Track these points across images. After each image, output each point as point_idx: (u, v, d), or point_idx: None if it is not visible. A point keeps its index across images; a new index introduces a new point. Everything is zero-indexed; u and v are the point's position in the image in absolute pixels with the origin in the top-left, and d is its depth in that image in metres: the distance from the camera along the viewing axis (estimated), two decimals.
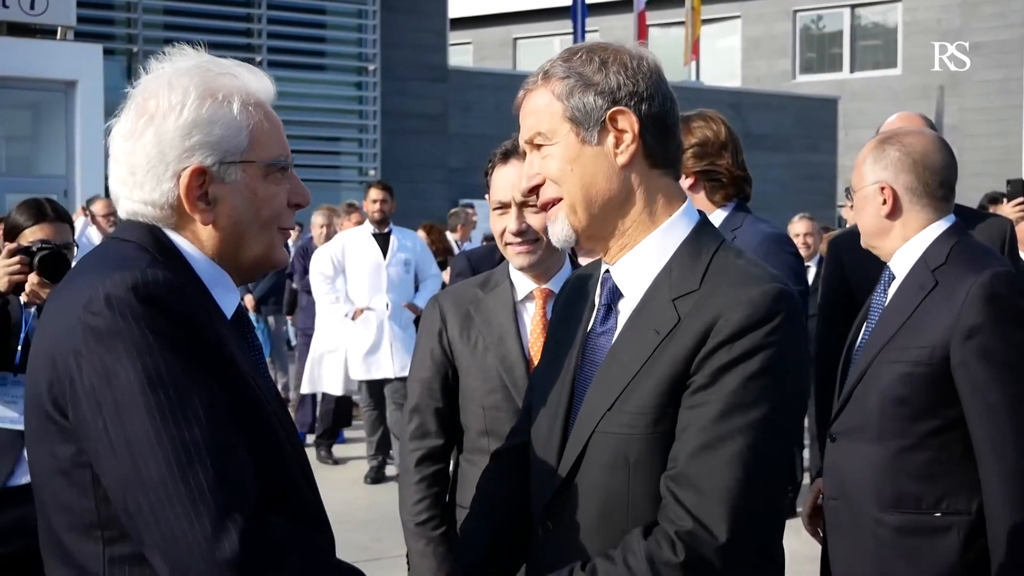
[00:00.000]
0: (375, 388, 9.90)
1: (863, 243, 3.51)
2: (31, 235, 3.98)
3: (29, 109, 22.16)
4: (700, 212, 2.25)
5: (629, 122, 2.13)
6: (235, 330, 2.00)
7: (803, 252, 9.14)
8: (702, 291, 2.08)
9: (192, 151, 1.92)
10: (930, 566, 3.16)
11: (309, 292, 10.86)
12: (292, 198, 2.05)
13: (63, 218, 4.14)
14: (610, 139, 2.14)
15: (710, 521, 1.98)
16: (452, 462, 3.40)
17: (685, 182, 3.91)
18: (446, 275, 10.02)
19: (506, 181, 3.13)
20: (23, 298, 3.85)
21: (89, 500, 1.80)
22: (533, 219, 3.08)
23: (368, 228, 10.06)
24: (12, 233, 4.03)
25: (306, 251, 11.41)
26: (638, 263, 2.18)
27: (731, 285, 2.06)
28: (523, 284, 3.23)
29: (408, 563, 3.46)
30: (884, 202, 3.35)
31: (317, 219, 12.21)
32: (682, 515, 2.00)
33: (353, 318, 9.85)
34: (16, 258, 3.82)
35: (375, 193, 10.00)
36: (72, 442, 1.79)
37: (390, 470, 9.74)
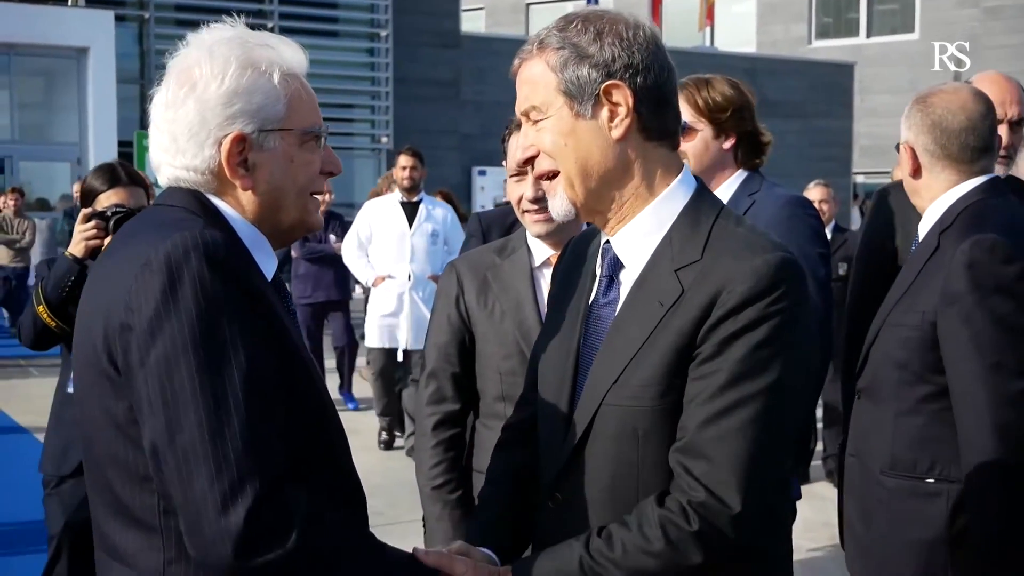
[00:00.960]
0: (384, 359, 9.77)
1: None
2: (106, 200, 4.01)
3: (42, 76, 22.19)
4: (697, 179, 2.23)
5: (624, 96, 2.10)
6: (274, 293, 2.04)
7: None
8: (704, 261, 2.07)
9: (233, 119, 1.99)
10: (919, 531, 3.17)
11: (309, 261, 10.87)
12: (325, 166, 2.12)
13: (137, 182, 4.15)
14: (604, 113, 2.11)
15: (722, 491, 1.98)
16: (469, 427, 3.40)
17: (727, 142, 3.88)
18: None
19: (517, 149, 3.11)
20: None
21: (143, 454, 1.85)
22: (549, 186, 3.07)
23: (397, 196, 9.81)
24: (88, 198, 4.06)
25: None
26: (638, 234, 2.17)
27: (733, 255, 2.05)
28: (540, 250, 3.23)
29: (424, 527, 3.47)
30: (909, 162, 3.35)
31: None
32: (694, 486, 2.00)
33: (374, 285, 9.74)
34: (92, 223, 3.84)
35: (405, 160, 9.72)
36: (125, 397, 1.85)
37: (399, 462, 9.37)
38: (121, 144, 19.85)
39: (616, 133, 2.11)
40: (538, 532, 2.33)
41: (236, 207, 2.04)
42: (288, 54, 2.07)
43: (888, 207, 4.10)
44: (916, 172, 3.35)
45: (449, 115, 23.64)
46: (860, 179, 33.05)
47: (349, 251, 9.94)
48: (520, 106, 2.20)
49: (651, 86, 2.12)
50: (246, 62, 2.01)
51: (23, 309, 15.76)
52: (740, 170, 3.93)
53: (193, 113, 1.99)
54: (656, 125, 2.15)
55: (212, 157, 2.00)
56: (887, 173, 35.30)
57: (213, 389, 1.77)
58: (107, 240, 3.86)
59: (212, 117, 1.99)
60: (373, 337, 9.75)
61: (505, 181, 3.41)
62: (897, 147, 3.44)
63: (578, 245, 2.43)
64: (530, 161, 2.19)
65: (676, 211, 2.15)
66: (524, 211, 3.16)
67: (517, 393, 3.03)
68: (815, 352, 2.13)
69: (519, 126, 3.12)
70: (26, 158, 20.98)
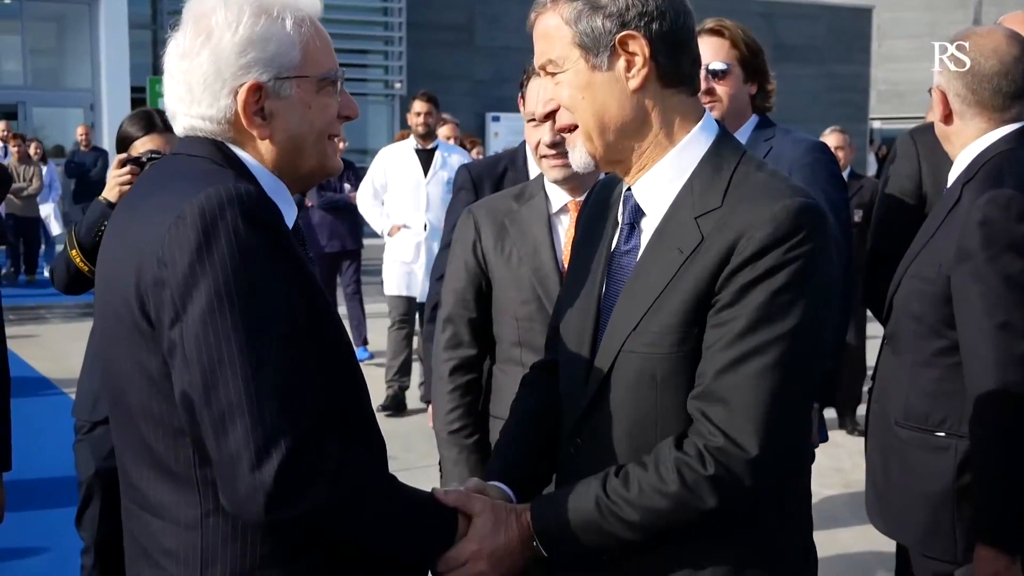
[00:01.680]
0: (404, 307, 9.55)
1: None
2: (141, 146, 4.01)
3: (53, 22, 22.13)
4: (719, 124, 2.21)
5: (639, 46, 2.07)
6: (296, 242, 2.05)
7: None
8: (724, 208, 2.04)
9: (248, 67, 1.97)
10: (927, 483, 3.16)
11: (324, 210, 10.74)
12: (342, 110, 2.11)
13: (172, 129, 4.15)
14: (621, 63, 2.08)
15: (739, 436, 1.98)
16: (485, 372, 3.42)
17: (753, 87, 3.90)
18: None
19: (540, 94, 3.10)
20: None
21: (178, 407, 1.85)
22: (570, 138, 3.07)
23: (411, 143, 9.49)
24: (123, 144, 4.06)
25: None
26: (659, 181, 2.15)
27: (753, 201, 2.02)
28: (557, 196, 3.22)
29: (440, 471, 3.49)
30: (940, 108, 3.26)
31: None
32: (712, 431, 2.00)
33: (390, 234, 9.52)
34: (126, 168, 3.85)
35: (419, 105, 9.35)
36: (158, 352, 1.84)
37: (413, 404, 9.36)
38: (134, 90, 19.84)
39: (633, 84, 2.09)
40: (560, 475, 2.35)
41: (255, 156, 2.03)
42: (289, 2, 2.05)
43: (916, 151, 4.01)
44: (947, 118, 3.26)
45: (463, 61, 23.54)
46: (876, 125, 32.89)
47: (364, 200, 9.74)
48: (538, 59, 2.17)
49: (667, 32, 2.09)
50: (259, 9, 1.99)
51: (26, 258, 15.52)
52: (753, 115, 3.95)
53: (208, 63, 1.97)
54: (674, 72, 2.12)
55: (228, 107, 1.98)
56: (904, 119, 35.09)
57: (249, 343, 1.77)
58: None
59: (227, 67, 1.96)
60: (391, 285, 9.54)
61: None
62: (929, 91, 3.36)
63: (601, 192, 2.42)
64: (552, 115, 2.18)
65: (697, 158, 2.13)
66: (542, 156, 3.15)
67: (534, 339, 3.06)
68: (835, 297, 2.11)
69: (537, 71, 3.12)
70: (39, 104, 20.98)
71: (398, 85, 22.97)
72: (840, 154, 9.13)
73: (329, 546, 1.89)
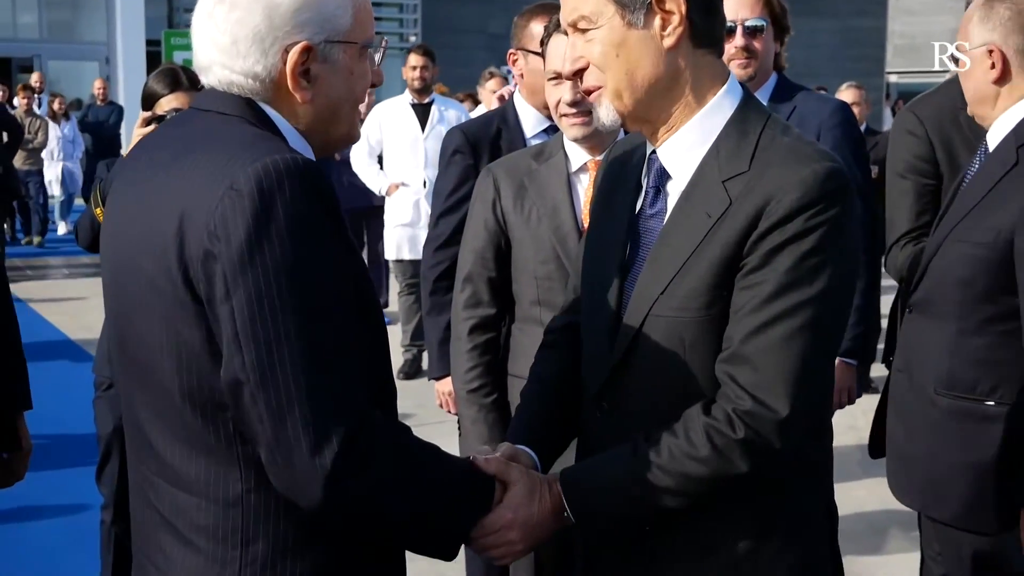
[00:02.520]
0: (411, 270, 9.19)
1: (969, 110, 3.28)
2: (167, 104, 4.00)
3: None
4: (743, 87, 2.20)
5: (676, 3, 2.04)
6: None
7: None
8: (752, 172, 2.04)
9: (302, 27, 1.89)
10: (970, 453, 3.09)
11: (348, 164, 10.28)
12: (373, 78, 2.06)
13: (198, 86, 4.15)
14: (656, 21, 2.05)
15: (768, 398, 1.98)
16: (504, 331, 3.43)
17: (778, 45, 3.91)
18: None
19: (560, 51, 3.08)
20: None
21: (220, 381, 1.78)
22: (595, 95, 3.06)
23: (407, 98, 9.21)
24: (149, 101, 4.06)
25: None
26: (685, 144, 2.14)
27: (781, 165, 2.02)
28: (577, 155, 3.21)
29: (459, 429, 3.51)
30: (992, 66, 3.11)
31: None
32: (741, 394, 2.00)
33: (388, 193, 9.20)
34: (151, 126, 3.85)
35: (415, 59, 9.15)
36: (202, 326, 1.77)
37: (424, 361, 9.05)
38: (149, 43, 19.78)
39: (668, 42, 2.06)
40: (583, 438, 2.36)
41: (290, 117, 1.95)
42: None
43: (923, 129, 3.79)
44: (1002, 77, 3.12)
45: (478, 13, 23.40)
46: (893, 79, 32.66)
47: (359, 158, 9.36)
48: (568, 16, 2.14)
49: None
50: None
51: (29, 213, 15.21)
52: (773, 73, 3.95)
53: (260, 17, 1.87)
54: (707, 32, 2.11)
55: (275, 66, 1.90)
56: (921, 72, 34.85)
57: (306, 324, 1.72)
58: None
59: (281, 23, 1.88)
60: (392, 248, 9.29)
61: None
62: (953, 58, 3.25)
63: (619, 152, 2.41)
64: (579, 73, 2.16)
65: (723, 121, 2.12)
66: (562, 115, 3.14)
67: (553, 298, 3.06)
68: (860, 259, 2.12)
69: (557, 27, 3.10)
70: (53, 57, 20.95)
71: (413, 38, 22.87)
72: (856, 110, 9.08)
73: (378, 519, 1.86)
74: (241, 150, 1.78)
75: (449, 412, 4.06)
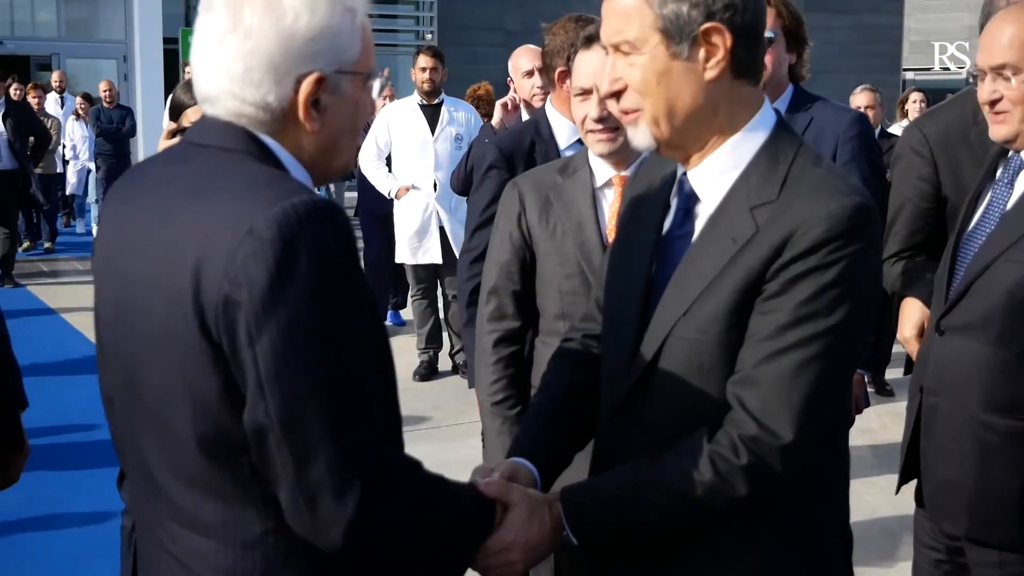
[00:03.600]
0: (423, 275, 9.19)
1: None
2: (192, 114, 4.01)
3: None
4: (776, 112, 2.22)
5: (722, 38, 2.06)
6: None
7: None
8: (780, 201, 2.07)
9: (316, 57, 1.86)
10: None
11: None
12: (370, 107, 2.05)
13: None
14: (701, 53, 2.07)
15: (774, 424, 2.01)
16: (528, 344, 3.46)
17: (793, 56, 3.92)
18: None
19: (589, 67, 3.09)
20: None
21: (239, 426, 1.75)
22: (614, 107, 3.09)
23: (415, 99, 9.08)
24: (176, 112, 4.08)
25: (366, 126, 10.35)
26: (716, 169, 2.16)
27: (810, 197, 2.04)
28: (602, 170, 3.22)
29: (483, 441, 3.54)
30: None
31: None
32: (746, 419, 2.03)
33: (397, 196, 9.06)
34: (176, 138, 3.89)
35: (424, 60, 9.02)
36: (221, 372, 1.74)
37: (441, 365, 9.22)
38: (166, 41, 19.82)
39: (710, 75, 2.08)
40: (598, 450, 2.38)
41: (293, 148, 1.91)
42: None
43: (928, 149, 3.68)
44: None
45: (494, 11, 23.39)
46: (909, 76, 32.52)
47: (368, 160, 9.21)
48: (610, 37, 2.14)
49: (748, 24, 2.09)
50: None
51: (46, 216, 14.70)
52: (790, 85, 3.97)
53: (275, 46, 1.83)
54: (748, 64, 2.12)
55: (287, 96, 1.86)
56: (937, 70, 34.72)
57: (332, 370, 1.71)
58: None
59: (296, 53, 1.84)
60: (404, 253, 9.13)
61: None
62: (973, 77, 3.15)
63: (648, 169, 2.42)
64: (616, 94, 2.17)
65: (755, 148, 2.15)
66: (588, 130, 3.15)
67: (577, 311, 3.06)
68: (880, 292, 2.14)
69: (586, 43, 3.11)
70: (72, 55, 21.02)
71: (429, 36, 22.87)
72: (870, 113, 9.09)
73: (393, 555, 1.86)
74: (256, 192, 1.75)
75: None
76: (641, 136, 2.16)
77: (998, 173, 3.22)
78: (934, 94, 11.74)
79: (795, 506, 2.15)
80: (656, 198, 2.32)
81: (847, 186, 2.07)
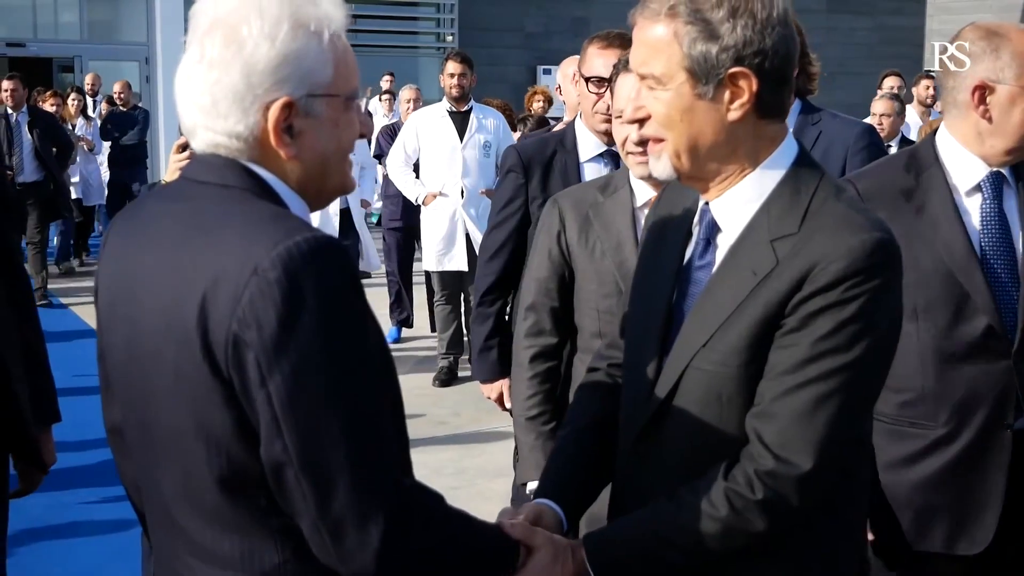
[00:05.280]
0: (448, 281, 9.19)
1: None
2: None
3: None
4: (799, 144, 2.21)
5: (748, 83, 2.06)
6: None
7: (880, 134, 9.01)
8: (801, 235, 2.07)
9: (282, 84, 1.86)
10: None
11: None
12: (361, 128, 2.03)
13: None
14: (725, 95, 2.07)
15: (791, 455, 2.01)
16: (565, 359, 3.48)
17: (796, 73, 3.92)
18: None
19: (628, 91, 3.07)
20: None
21: (254, 461, 1.78)
22: (636, 132, 3.10)
23: (444, 105, 9.07)
24: None
25: (393, 131, 10.60)
26: (738, 200, 2.15)
27: (831, 231, 2.04)
28: (642, 191, 3.24)
29: (516, 454, 3.59)
30: None
31: (404, 94, 11.79)
32: (764, 453, 2.03)
33: (425, 203, 9.04)
34: (186, 152, 3.91)
35: (453, 66, 8.97)
36: (234, 407, 1.77)
37: (462, 371, 9.09)
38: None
39: (733, 116, 2.08)
40: (616, 481, 2.39)
41: (280, 175, 1.92)
42: (333, 11, 1.94)
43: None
44: None
45: (514, 13, 23.39)
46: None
47: (395, 167, 9.26)
48: (637, 67, 2.15)
49: (776, 68, 2.08)
50: (298, 22, 1.88)
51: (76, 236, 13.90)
52: (796, 100, 3.98)
53: (239, 76, 1.85)
54: (774, 104, 2.12)
55: (257, 124, 1.87)
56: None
57: (346, 403, 1.74)
58: None
59: (260, 82, 1.85)
60: (431, 260, 9.14)
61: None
62: (977, 91, 2.92)
63: (671, 195, 2.42)
64: (640, 120, 2.18)
65: (776, 180, 2.15)
66: (628, 152, 3.15)
67: (613, 331, 3.09)
68: (899, 329, 2.15)
69: (626, 67, 3.12)
70: (94, 57, 21.09)
71: (449, 38, 22.89)
72: (885, 122, 9.05)
73: None
74: (259, 230, 1.77)
75: (503, 409, 4.30)
76: (662, 167, 2.17)
77: None
78: None
79: (813, 538, 2.15)
80: (678, 225, 2.33)
81: (869, 221, 2.07)
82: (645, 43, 2.12)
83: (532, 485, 3.08)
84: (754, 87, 2.07)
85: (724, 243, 2.19)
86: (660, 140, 2.14)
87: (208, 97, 1.87)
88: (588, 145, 4.14)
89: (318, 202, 2.02)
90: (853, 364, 2.01)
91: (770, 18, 2.06)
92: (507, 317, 4.50)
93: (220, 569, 1.88)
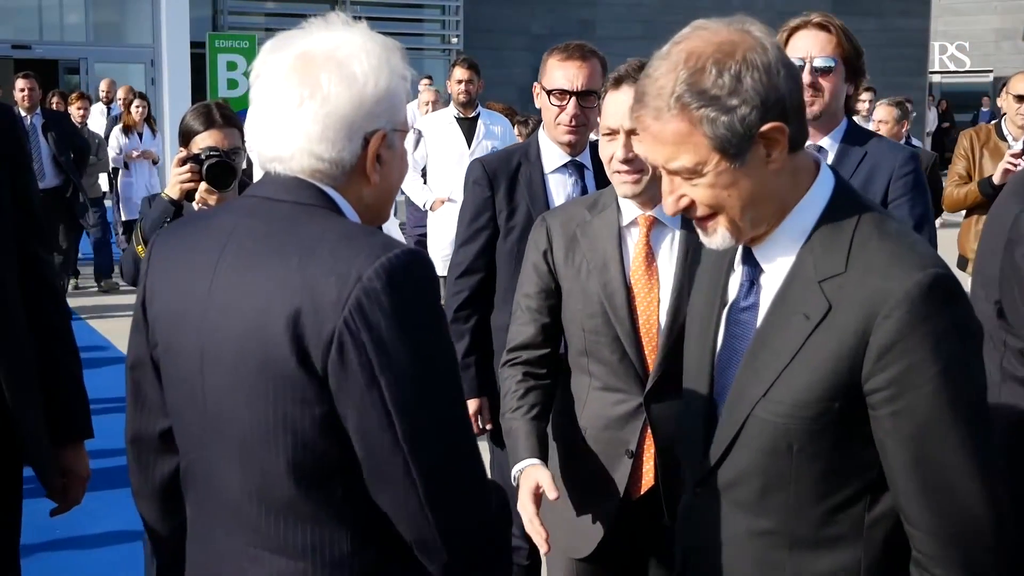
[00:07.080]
0: None
1: None
2: (202, 141, 4.05)
3: None
4: (834, 172, 2.19)
5: (780, 132, 2.04)
6: None
7: None
8: (849, 274, 2.04)
9: (379, 116, 2.06)
10: None
11: None
12: None
13: (231, 123, 4.21)
14: (761, 151, 2.05)
15: (982, 558, 2.02)
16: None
17: (851, 87, 3.90)
18: None
19: (617, 107, 3.07)
20: (195, 205, 3.97)
21: (336, 452, 1.95)
22: (640, 148, 3.08)
23: (451, 111, 9.13)
24: (186, 138, 4.12)
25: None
26: (780, 241, 2.15)
27: (881, 272, 2.01)
28: (629, 209, 3.22)
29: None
30: None
31: (424, 96, 11.82)
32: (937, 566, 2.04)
33: (432, 208, 9.08)
34: (187, 167, 3.92)
35: (460, 72, 9.05)
36: (324, 402, 1.93)
37: None
38: (194, 45, 19.92)
39: (775, 166, 2.07)
40: (681, 518, 2.45)
41: (354, 201, 2.10)
42: (402, 60, 2.15)
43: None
44: None
45: (519, 15, 23.41)
46: (936, 79, 32.39)
47: (405, 182, 9.23)
48: (663, 163, 2.11)
49: (796, 105, 2.08)
50: (395, 67, 2.09)
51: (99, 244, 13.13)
52: (844, 119, 3.92)
53: (350, 108, 2.03)
54: (799, 135, 2.11)
55: (356, 152, 2.05)
56: (965, 72, 34.55)
57: (447, 398, 1.98)
58: (201, 184, 3.91)
59: (366, 114, 2.05)
60: (438, 265, 8.66)
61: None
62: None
63: None
64: (687, 209, 2.17)
65: (817, 213, 2.13)
66: (615, 171, 3.14)
67: (599, 350, 3.15)
68: (981, 347, 2.11)
69: (615, 84, 3.10)
70: (100, 60, 21.14)
71: (455, 40, 22.93)
72: (884, 128, 8.98)
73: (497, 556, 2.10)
74: (356, 243, 1.95)
75: (477, 431, 4.29)
76: (720, 240, 2.14)
77: None
78: (959, 97, 11.65)
79: None
80: (717, 263, 2.33)
81: (918, 257, 2.03)
82: (663, 141, 2.07)
83: (521, 465, 3.12)
84: (786, 131, 2.05)
85: (768, 284, 2.17)
86: (711, 216, 2.12)
87: (319, 126, 2.03)
88: (552, 156, 4.18)
89: (370, 225, 2.19)
90: (967, 420, 1.99)
91: (772, 66, 2.03)
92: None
93: (290, 559, 2.02)
